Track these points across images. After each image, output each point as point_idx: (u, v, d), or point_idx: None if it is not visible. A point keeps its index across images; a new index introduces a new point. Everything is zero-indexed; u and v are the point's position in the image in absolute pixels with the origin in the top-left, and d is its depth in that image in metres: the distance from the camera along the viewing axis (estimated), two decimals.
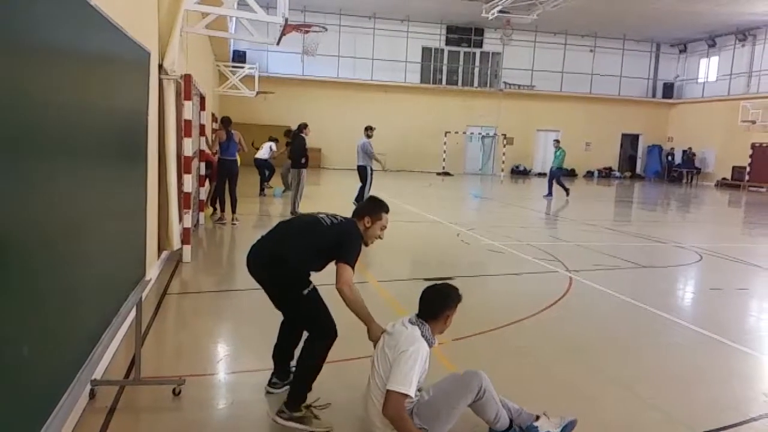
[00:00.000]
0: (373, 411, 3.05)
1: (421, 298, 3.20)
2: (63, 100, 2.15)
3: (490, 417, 3.11)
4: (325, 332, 3.35)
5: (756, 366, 4.81)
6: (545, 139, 28.50)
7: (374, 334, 3.26)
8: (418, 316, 3.15)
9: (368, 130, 12.79)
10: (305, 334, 3.48)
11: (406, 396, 2.89)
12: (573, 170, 29.99)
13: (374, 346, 3.23)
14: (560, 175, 18.20)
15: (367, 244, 3.57)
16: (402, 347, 2.97)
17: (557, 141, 19.05)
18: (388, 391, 2.90)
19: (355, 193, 12.43)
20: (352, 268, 3.30)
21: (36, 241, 1.90)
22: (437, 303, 3.16)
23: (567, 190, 17.83)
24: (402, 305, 5.73)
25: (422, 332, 3.05)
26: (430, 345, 3.08)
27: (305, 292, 3.36)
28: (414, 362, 2.92)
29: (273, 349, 3.76)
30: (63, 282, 2.21)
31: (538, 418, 3.25)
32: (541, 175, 26.95)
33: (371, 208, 3.60)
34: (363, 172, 12.50)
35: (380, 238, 3.60)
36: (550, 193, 17.94)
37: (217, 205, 10.50)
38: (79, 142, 2.36)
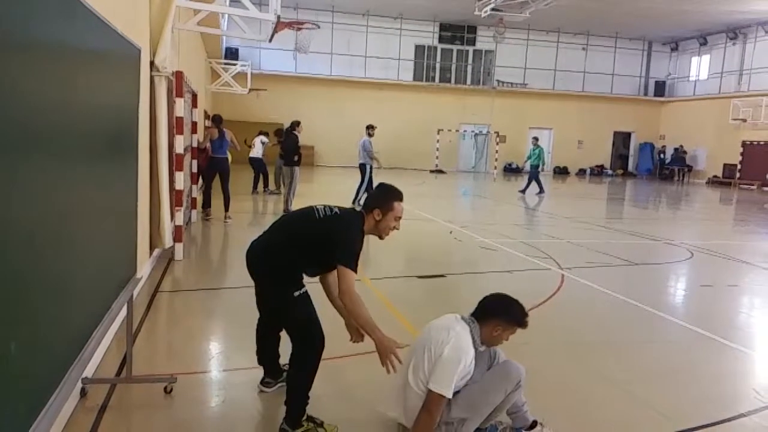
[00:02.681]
0: (413, 397, 2.91)
1: (482, 299, 3.11)
2: (51, 97, 2.12)
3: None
4: (308, 342, 3.10)
5: (746, 362, 4.84)
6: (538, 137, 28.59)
7: (384, 346, 2.94)
8: (472, 314, 3.06)
9: (369, 128, 12.97)
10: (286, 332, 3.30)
11: (444, 397, 2.84)
12: (566, 168, 30.16)
13: (383, 360, 2.97)
14: (536, 173, 18.24)
15: (381, 238, 3.27)
16: (445, 349, 2.86)
17: (536, 139, 19.16)
18: (428, 390, 2.85)
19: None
20: (353, 269, 2.98)
21: (25, 238, 1.88)
22: (490, 308, 3.04)
23: (524, 191, 18.06)
24: (395, 303, 5.74)
25: (471, 330, 2.95)
26: (476, 348, 2.94)
27: (296, 293, 3.11)
28: (457, 365, 2.83)
29: (256, 355, 3.68)
30: (52, 279, 2.19)
31: (534, 425, 3.18)
32: None
33: (379, 198, 3.25)
34: (363, 170, 12.64)
35: (396, 229, 3.24)
36: (541, 190, 18.08)
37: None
38: (67, 140, 2.34)
